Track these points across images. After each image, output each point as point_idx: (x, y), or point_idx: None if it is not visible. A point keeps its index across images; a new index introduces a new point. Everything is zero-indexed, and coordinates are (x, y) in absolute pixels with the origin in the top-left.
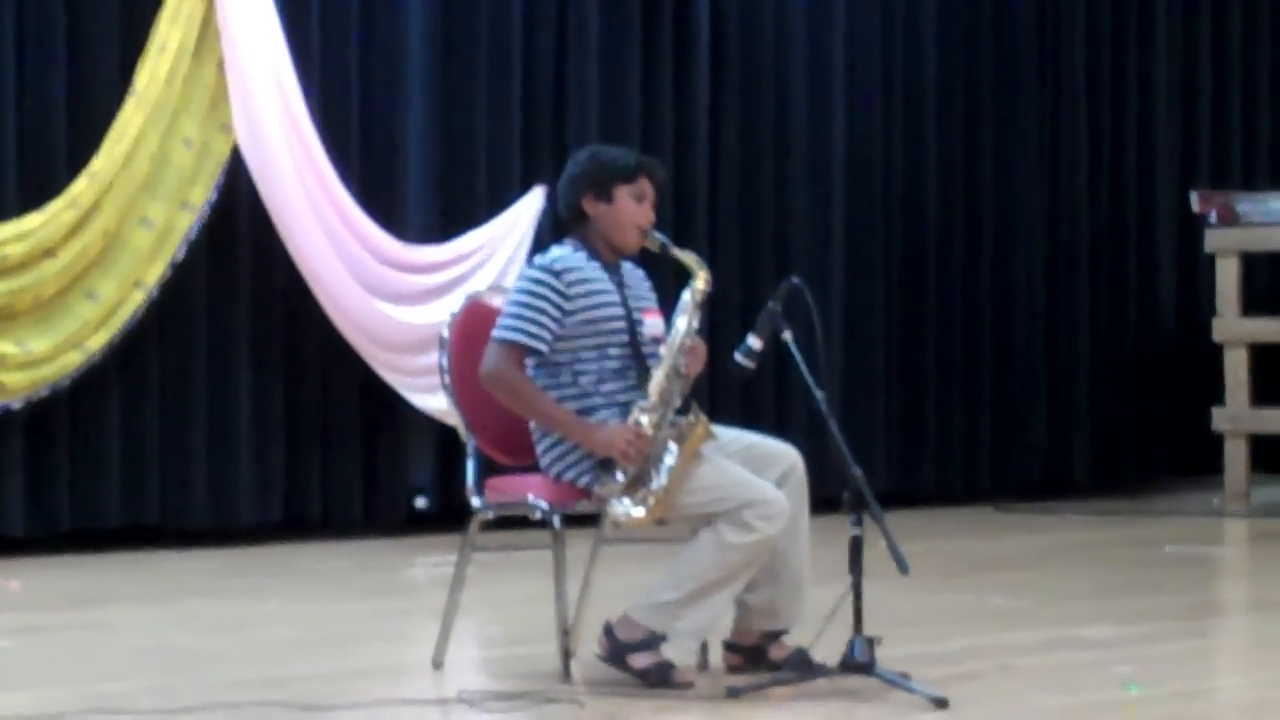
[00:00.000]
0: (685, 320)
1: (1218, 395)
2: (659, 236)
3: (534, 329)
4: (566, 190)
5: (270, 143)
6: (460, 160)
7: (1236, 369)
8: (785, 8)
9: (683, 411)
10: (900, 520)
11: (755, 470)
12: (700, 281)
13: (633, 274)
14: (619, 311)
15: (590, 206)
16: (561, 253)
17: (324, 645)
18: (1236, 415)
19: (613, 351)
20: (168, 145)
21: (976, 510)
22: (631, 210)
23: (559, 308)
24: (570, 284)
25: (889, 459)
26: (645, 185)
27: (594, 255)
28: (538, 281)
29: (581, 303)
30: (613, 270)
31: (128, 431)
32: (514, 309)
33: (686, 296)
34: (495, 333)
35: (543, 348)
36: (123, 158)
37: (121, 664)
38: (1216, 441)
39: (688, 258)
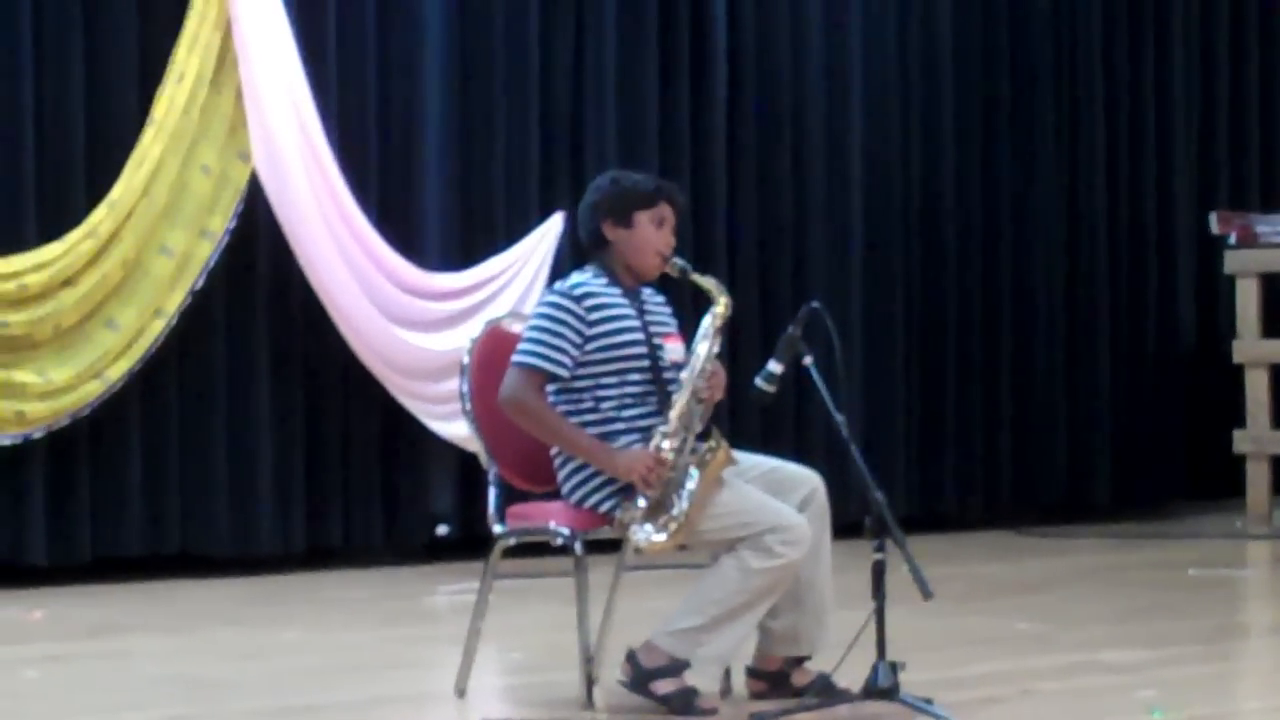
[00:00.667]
0: (706, 345)
1: (1238, 417)
2: (679, 262)
3: (554, 354)
4: (587, 216)
5: (288, 170)
6: (478, 186)
7: (1257, 390)
8: (801, 27)
9: (704, 437)
10: (921, 544)
11: (777, 495)
12: (721, 306)
13: (653, 299)
14: (640, 337)
15: (610, 232)
16: (582, 278)
17: (345, 674)
18: (1258, 437)
19: (633, 377)
20: (186, 173)
21: (997, 534)
22: (652, 236)
23: (579, 333)
24: (591, 309)
25: (909, 483)
26: (665, 210)
27: (614, 281)
28: (558, 307)
29: (602, 328)
30: (633, 296)
31: (149, 460)
32: (534, 334)
33: (707, 321)
34: (515, 358)
35: (563, 373)
36: (141, 186)
37: (142, 693)
38: (1238, 463)
39: (708, 283)
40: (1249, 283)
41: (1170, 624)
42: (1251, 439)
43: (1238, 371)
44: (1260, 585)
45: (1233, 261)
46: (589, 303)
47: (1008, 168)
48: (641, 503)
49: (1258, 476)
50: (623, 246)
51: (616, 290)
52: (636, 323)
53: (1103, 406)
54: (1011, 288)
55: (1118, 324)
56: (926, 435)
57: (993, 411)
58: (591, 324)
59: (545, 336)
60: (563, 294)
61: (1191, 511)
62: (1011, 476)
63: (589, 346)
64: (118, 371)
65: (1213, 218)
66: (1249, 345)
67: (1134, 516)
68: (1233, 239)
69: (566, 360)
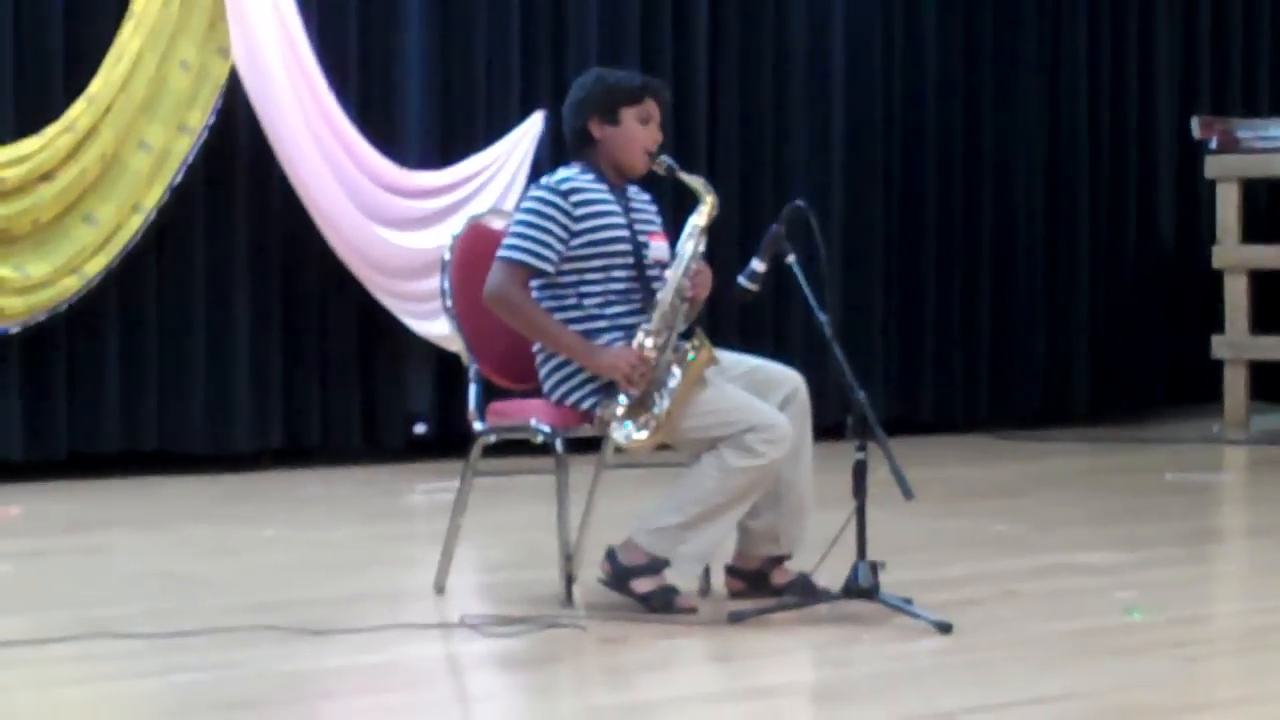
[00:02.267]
0: (692, 244)
1: (1217, 323)
2: (666, 159)
3: (540, 249)
4: (572, 113)
5: (268, 66)
6: (459, 84)
7: (1236, 296)
8: None
9: (686, 336)
10: (898, 447)
11: (758, 394)
12: (707, 205)
13: (639, 197)
14: (625, 234)
15: (596, 129)
16: (568, 174)
17: (323, 570)
18: (1236, 342)
19: (618, 274)
20: (165, 68)
21: (975, 438)
22: (638, 133)
23: (565, 228)
24: (576, 205)
25: (887, 386)
26: (651, 108)
27: (600, 178)
28: (544, 202)
29: (588, 224)
30: (619, 193)
31: (126, 357)
32: (520, 229)
33: (693, 220)
34: (500, 252)
35: (548, 268)
36: (120, 81)
37: (119, 588)
38: (1216, 369)
39: (695, 181)
40: (1229, 188)
41: (1148, 528)
42: (1230, 344)
43: (1217, 277)
44: (1236, 490)
45: (1214, 166)
46: (575, 198)
47: (990, 70)
48: (623, 400)
49: (1235, 382)
50: (609, 144)
51: (603, 187)
52: (622, 219)
53: (1082, 311)
54: (992, 190)
55: (1098, 228)
56: (905, 338)
57: (972, 315)
58: (578, 219)
59: (531, 231)
60: (549, 189)
61: (1169, 416)
62: (990, 380)
63: (574, 242)
64: (95, 267)
65: (1194, 122)
66: (1228, 251)
67: (1112, 421)
68: (1214, 144)
69: (552, 255)
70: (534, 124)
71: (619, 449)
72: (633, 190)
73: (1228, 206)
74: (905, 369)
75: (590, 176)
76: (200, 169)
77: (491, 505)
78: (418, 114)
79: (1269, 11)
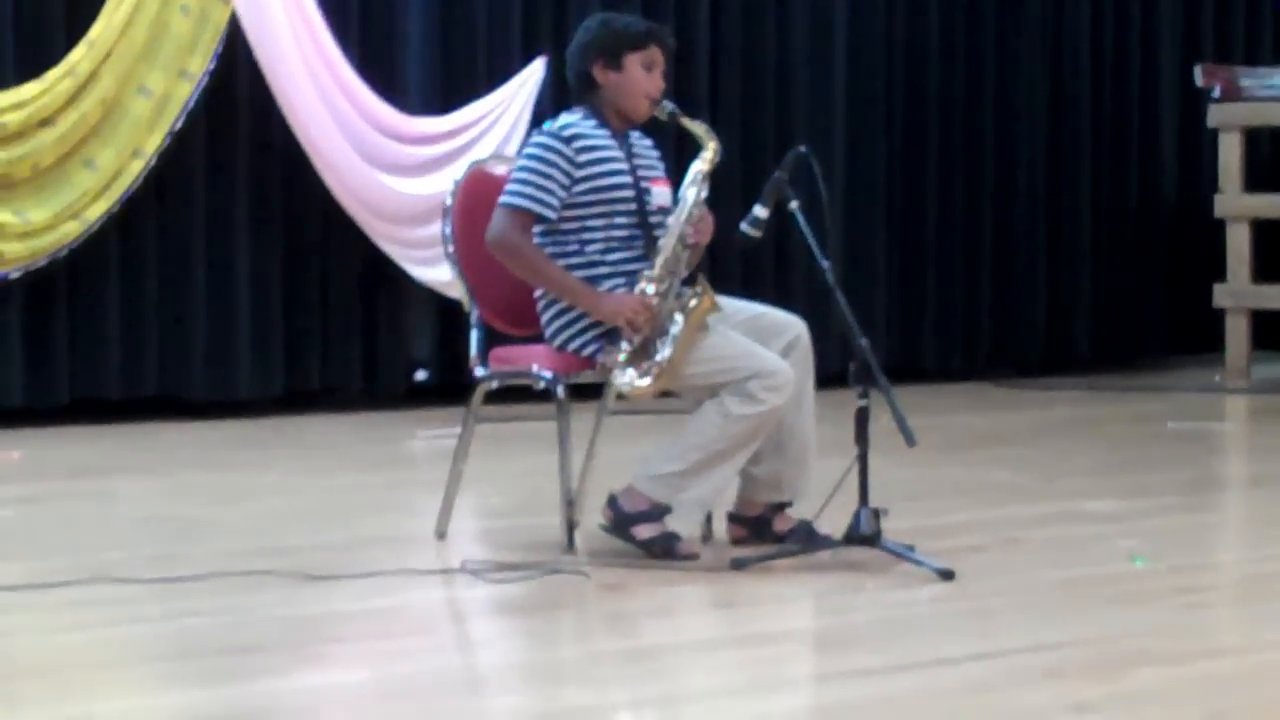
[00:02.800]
0: (694, 190)
1: (1219, 271)
2: (669, 105)
3: (542, 195)
4: (576, 58)
5: (269, 11)
6: (461, 30)
7: (1238, 245)
8: None
9: (689, 283)
10: (900, 394)
11: (760, 341)
12: (710, 152)
13: (641, 143)
14: (627, 180)
15: (600, 74)
16: (571, 119)
17: (325, 516)
18: (1238, 291)
19: (620, 220)
20: (166, 13)
21: (976, 386)
22: (641, 79)
23: (568, 174)
24: (579, 151)
25: (889, 333)
26: (655, 53)
27: (603, 124)
28: (547, 148)
29: (590, 170)
30: (621, 139)
31: (127, 302)
32: (522, 174)
33: (696, 166)
34: (503, 198)
35: (550, 214)
36: (121, 26)
37: (121, 534)
38: (1217, 318)
39: (697, 128)
40: (1232, 137)
41: (1150, 476)
42: (1231, 294)
43: (1219, 226)
44: (1238, 439)
45: (1216, 115)
46: (578, 144)
47: (992, 14)
48: (625, 347)
49: (1237, 331)
50: (612, 89)
51: (605, 132)
52: (625, 165)
53: (1084, 260)
54: (994, 137)
55: (1100, 177)
56: (907, 286)
57: (974, 263)
58: (580, 165)
59: (533, 178)
60: (552, 135)
61: (1171, 365)
62: (992, 329)
63: (577, 188)
64: (96, 212)
65: (1197, 71)
66: (1231, 200)
67: (1114, 370)
68: (1217, 92)
69: (554, 201)
70: (536, 69)
71: (621, 395)
72: (635, 136)
73: (1230, 155)
74: (907, 316)
75: (593, 122)
76: (201, 114)
77: (493, 451)
78: (419, 60)
79: None
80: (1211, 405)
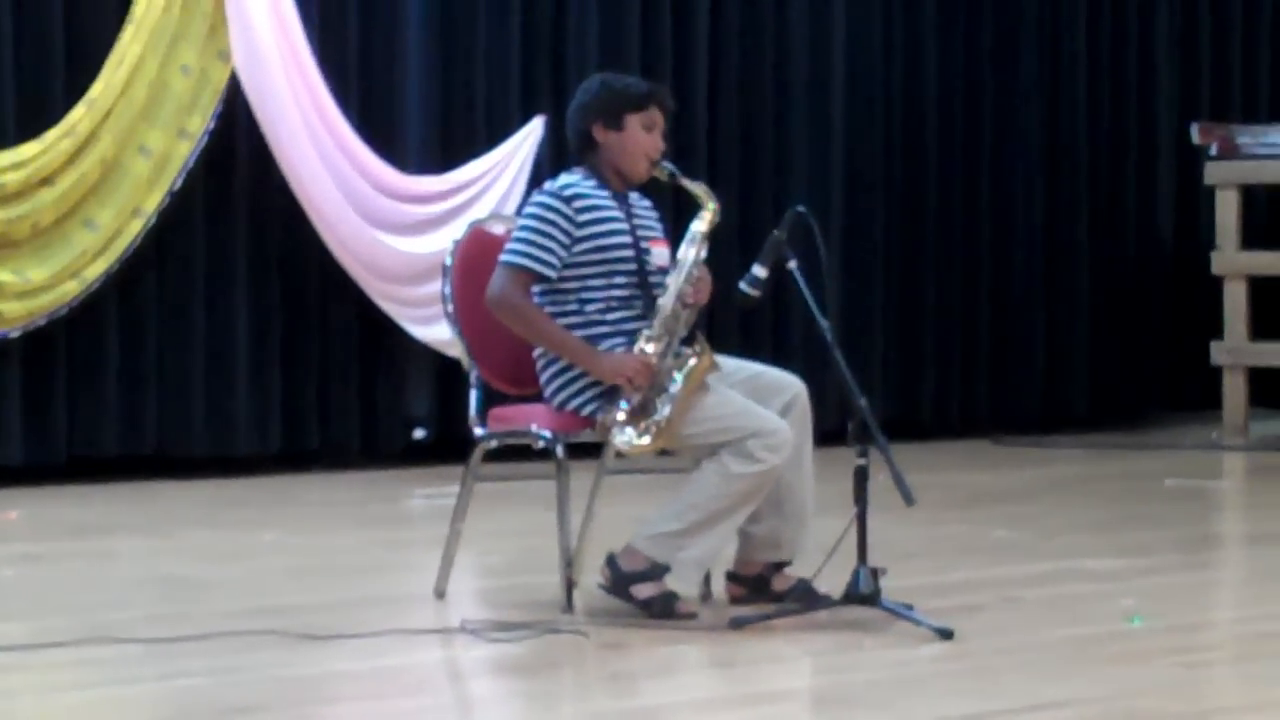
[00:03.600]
0: (694, 250)
1: (1216, 329)
2: (668, 166)
3: (542, 254)
4: (576, 118)
5: (268, 70)
6: (459, 90)
7: (1235, 302)
8: None
9: (688, 342)
10: (898, 452)
11: (759, 400)
12: (709, 212)
13: (640, 204)
14: (627, 240)
15: (600, 134)
16: (571, 179)
17: (323, 575)
18: (1235, 348)
19: (619, 280)
20: (166, 73)
21: (974, 443)
22: (641, 139)
23: (568, 234)
24: (579, 210)
25: (886, 391)
26: (655, 114)
27: (603, 184)
28: (547, 207)
29: (590, 230)
30: (621, 199)
31: (126, 361)
32: (523, 234)
33: (695, 226)
34: (503, 257)
35: (550, 273)
36: (121, 85)
37: (120, 593)
38: (1215, 375)
39: (697, 188)
40: (1229, 194)
41: (1148, 534)
42: (1229, 350)
43: (1216, 283)
44: (1236, 496)
45: (1213, 173)
46: (578, 204)
47: (990, 74)
48: (624, 406)
49: (1235, 388)
50: (612, 149)
51: (605, 193)
52: (624, 225)
53: (1081, 317)
54: (991, 196)
55: (1097, 234)
56: (904, 344)
57: (971, 320)
58: (580, 225)
59: (534, 237)
60: (552, 194)
61: (1169, 422)
62: (989, 386)
63: (577, 248)
64: (95, 271)
65: (1194, 128)
66: (1228, 257)
67: (1112, 427)
68: (1214, 150)
69: (554, 261)
70: (534, 129)
71: (620, 454)
72: (634, 196)
73: (1227, 212)
74: (904, 373)
75: (593, 182)
76: (200, 174)
77: (492, 511)
78: (418, 119)
79: (1269, 17)
80: (1209, 463)
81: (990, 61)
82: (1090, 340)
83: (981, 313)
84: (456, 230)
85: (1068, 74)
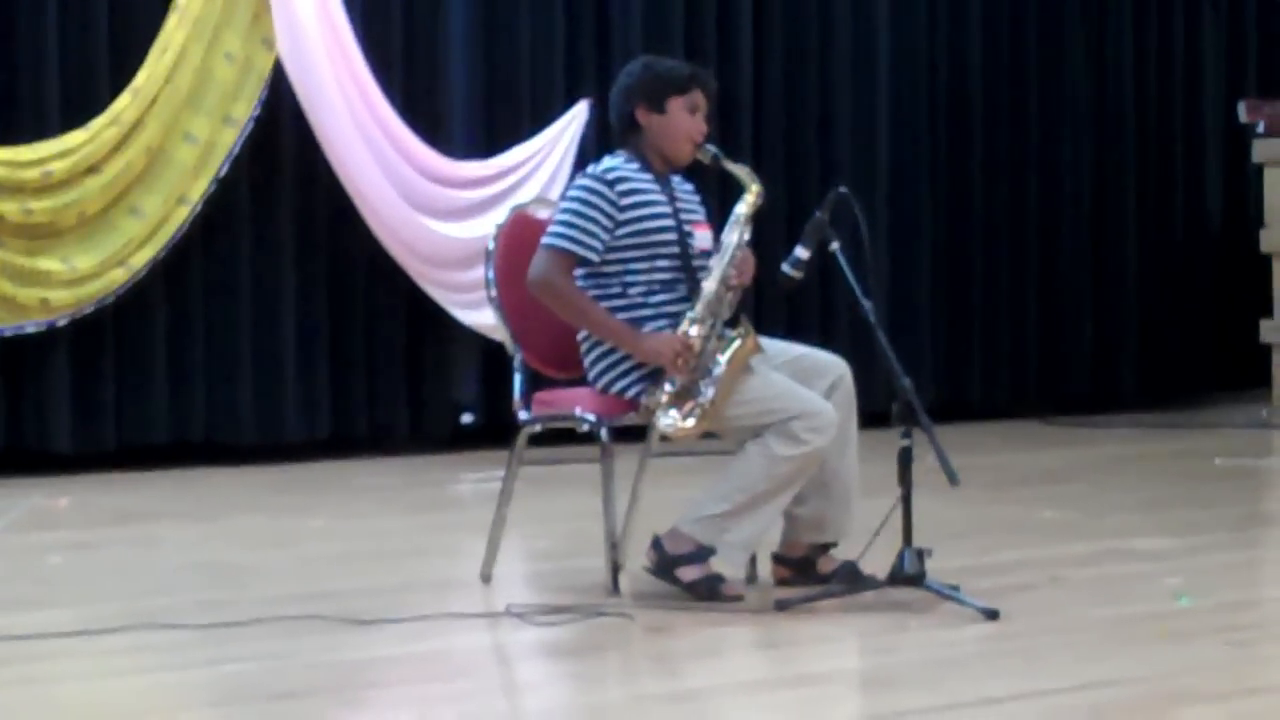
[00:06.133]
0: (737, 233)
1: (1266, 307)
2: (711, 149)
3: (585, 238)
4: (619, 101)
5: (313, 57)
6: (504, 74)
7: None
8: None
9: (731, 324)
10: (946, 433)
11: (803, 382)
12: (752, 194)
13: (682, 187)
14: (670, 223)
15: (643, 117)
16: (614, 163)
17: (371, 560)
18: None
19: (662, 263)
20: (210, 60)
21: (1023, 424)
22: (685, 122)
23: (611, 217)
24: (622, 194)
25: (934, 372)
26: (698, 97)
27: (646, 167)
28: (590, 190)
29: (633, 213)
30: (664, 182)
31: (173, 348)
32: (566, 217)
33: (739, 209)
34: (545, 240)
35: (593, 256)
36: (165, 73)
37: (169, 579)
38: (1264, 353)
39: (740, 171)
40: (1277, 172)
41: (1196, 513)
42: (1278, 329)
43: (1265, 261)
44: None
45: (1261, 150)
46: (621, 187)
47: (1035, 54)
48: (668, 388)
49: None
50: (655, 132)
51: (648, 176)
52: (668, 209)
53: (1130, 296)
54: (1038, 175)
55: (1145, 213)
56: (952, 324)
57: (1019, 300)
58: (623, 209)
59: (577, 220)
60: (595, 178)
61: (1218, 401)
62: (1038, 366)
63: (620, 231)
64: (142, 259)
65: (1241, 106)
66: (1277, 235)
67: (1160, 406)
68: (1261, 127)
69: (597, 244)
70: (578, 113)
71: (664, 437)
72: (676, 180)
73: (1276, 190)
74: (952, 355)
75: (635, 165)
76: (245, 161)
77: (537, 494)
78: (462, 103)
79: None
80: (1259, 441)
81: (1036, 43)
82: (1139, 319)
83: (1030, 293)
84: (502, 215)
85: (1113, 54)
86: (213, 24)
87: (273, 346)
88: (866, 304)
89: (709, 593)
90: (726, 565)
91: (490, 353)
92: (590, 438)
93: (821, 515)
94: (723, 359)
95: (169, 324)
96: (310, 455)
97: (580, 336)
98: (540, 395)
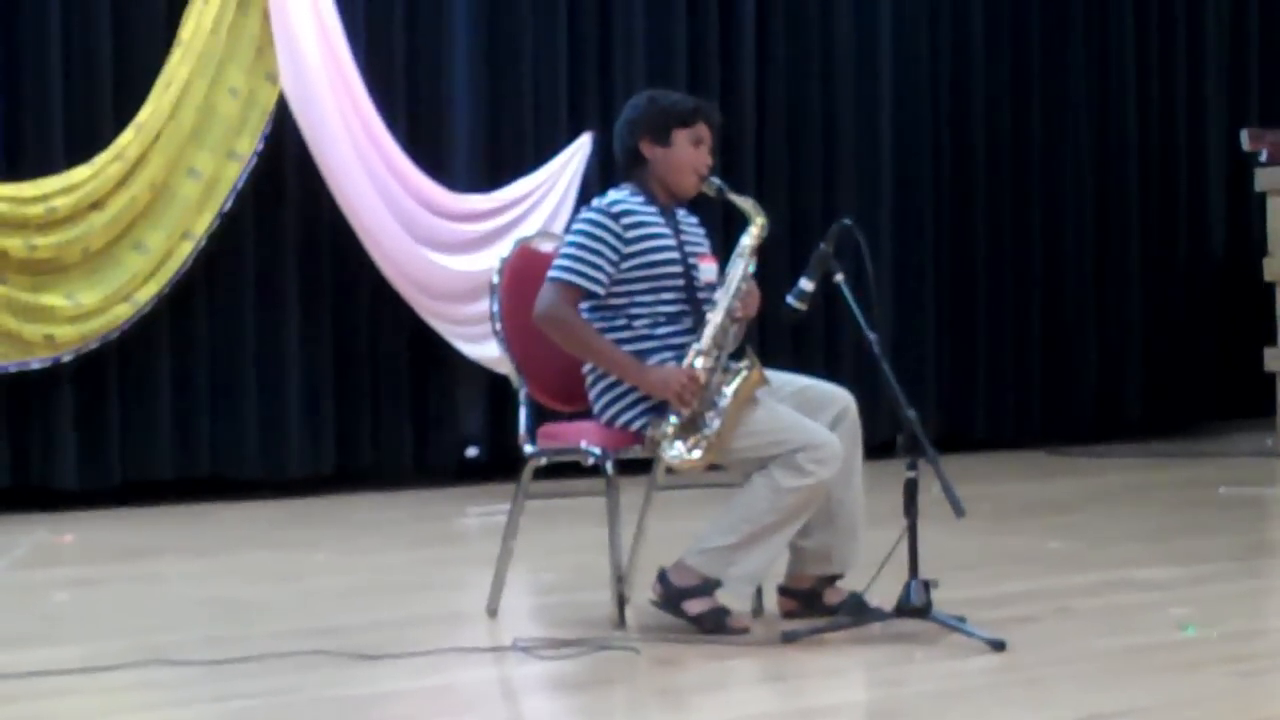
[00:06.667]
0: (742, 265)
1: (1270, 335)
2: (716, 181)
3: (591, 270)
4: (624, 134)
5: (316, 91)
6: (507, 107)
7: None
8: None
9: (737, 356)
10: (951, 464)
11: (808, 413)
12: (757, 226)
13: (687, 219)
14: (675, 255)
15: (648, 150)
16: (619, 196)
17: (377, 595)
18: None
19: (667, 295)
20: (214, 95)
21: (1028, 454)
22: (689, 154)
23: (616, 250)
24: (628, 227)
25: (939, 402)
26: (703, 130)
27: (651, 199)
28: (595, 224)
29: (638, 246)
30: (669, 215)
31: (178, 383)
32: (571, 250)
33: (744, 241)
34: (551, 273)
35: (599, 289)
36: (169, 109)
37: (174, 615)
38: (1268, 382)
39: (745, 203)
40: None
41: (1201, 542)
42: None
43: (1269, 289)
44: None
45: (1264, 179)
46: (626, 220)
47: (1038, 84)
48: (674, 421)
49: None
50: (660, 165)
51: (653, 209)
52: (673, 241)
53: (1133, 325)
54: (1042, 205)
55: (1148, 241)
56: (957, 354)
57: (1023, 330)
58: (628, 242)
59: (582, 253)
60: (600, 211)
61: (1222, 430)
62: (1042, 395)
63: (625, 264)
64: (146, 294)
65: (1244, 135)
66: None
67: (1165, 435)
68: (1264, 156)
69: (602, 277)
70: (581, 146)
71: (670, 469)
72: (681, 213)
73: (1278, 219)
74: (957, 386)
75: (640, 199)
76: (250, 195)
77: (543, 528)
78: (466, 137)
79: None
80: (1264, 470)
81: (1039, 72)
82: (1143, 348)
83: (1034, 322)
84: (506, 248)
85: (1116, 83)
86: (216, 59)
87: (277, 381)
88: (871, 335)
89: (715, 625)
90: (733, 598)
91: (495, 386)
92: (596, 470)
93: (827, 547)
94: (728, 391)
95: (173, 359)
96: (315, 490)
97: (585, 369)
98: (545, 428)
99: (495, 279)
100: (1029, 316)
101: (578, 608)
